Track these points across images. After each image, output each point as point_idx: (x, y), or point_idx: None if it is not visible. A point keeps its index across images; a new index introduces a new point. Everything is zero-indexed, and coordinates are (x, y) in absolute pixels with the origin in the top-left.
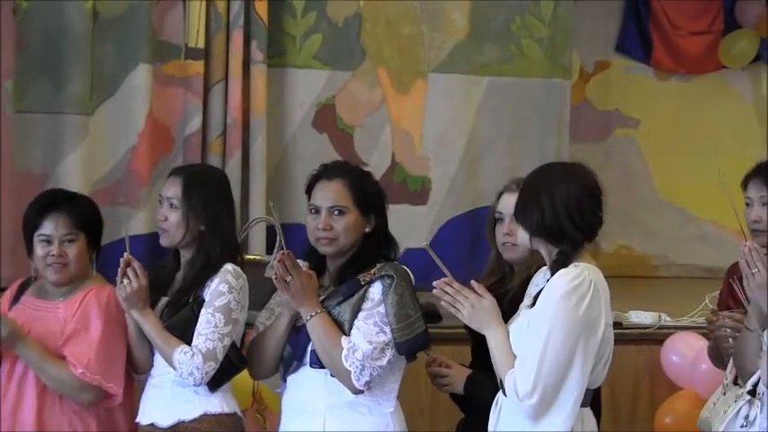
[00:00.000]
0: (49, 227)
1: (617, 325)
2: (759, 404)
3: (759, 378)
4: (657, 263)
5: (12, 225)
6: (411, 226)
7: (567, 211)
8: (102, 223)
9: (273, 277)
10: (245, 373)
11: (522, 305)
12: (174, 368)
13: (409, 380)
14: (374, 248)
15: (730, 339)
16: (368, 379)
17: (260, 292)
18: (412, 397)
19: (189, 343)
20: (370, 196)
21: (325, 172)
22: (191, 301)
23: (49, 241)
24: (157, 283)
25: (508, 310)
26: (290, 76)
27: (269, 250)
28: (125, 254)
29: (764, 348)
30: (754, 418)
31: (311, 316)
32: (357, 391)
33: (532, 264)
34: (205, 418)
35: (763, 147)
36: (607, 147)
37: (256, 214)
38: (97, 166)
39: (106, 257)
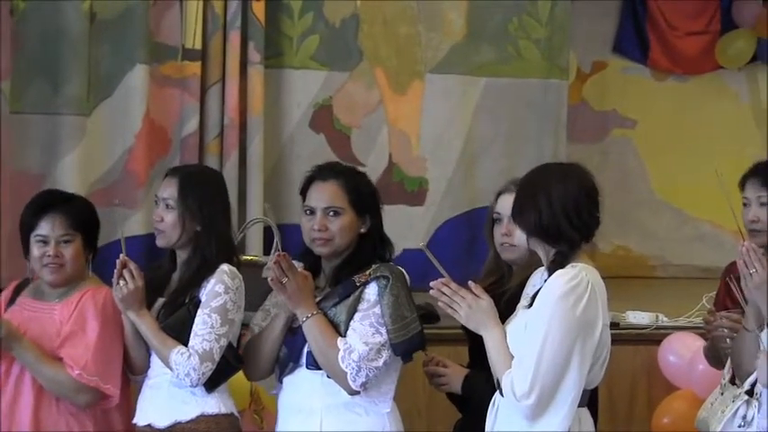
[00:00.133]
0: (45, 227)
1: (614, 325)
2: (756, 404)
3: (757, 378)
4: (654, 263)
5: (9, 226)
6: (408, 226)
7: (564, 211)
8: (98, 224)
9: (270, 279)
10: (242, 374)
11: (519, 305)
12: (170, 369)
13: (407, 380)
14: (369, 249)
15: (728, 340)
16: (364, 380)
17: (256, 292)
18: (409, 397)
19: (185, 344)
20: (364, 197)
21: (320, 173)
22: (187, 301)
23: (45, 242)
24: (154, 283)
25: (506, 310)
26: (287, 77)
27: (266, 251)
28: (121, 255)
29: (762, 348)
30: (752, 418)
31: (307, 317)
32: (353, 392)
33: (531, 264)
34: (202, 418)
35: (761, 147)
36: (604, 147)
37: (254, 215)
38: (94, 167)
39: (103, 258)
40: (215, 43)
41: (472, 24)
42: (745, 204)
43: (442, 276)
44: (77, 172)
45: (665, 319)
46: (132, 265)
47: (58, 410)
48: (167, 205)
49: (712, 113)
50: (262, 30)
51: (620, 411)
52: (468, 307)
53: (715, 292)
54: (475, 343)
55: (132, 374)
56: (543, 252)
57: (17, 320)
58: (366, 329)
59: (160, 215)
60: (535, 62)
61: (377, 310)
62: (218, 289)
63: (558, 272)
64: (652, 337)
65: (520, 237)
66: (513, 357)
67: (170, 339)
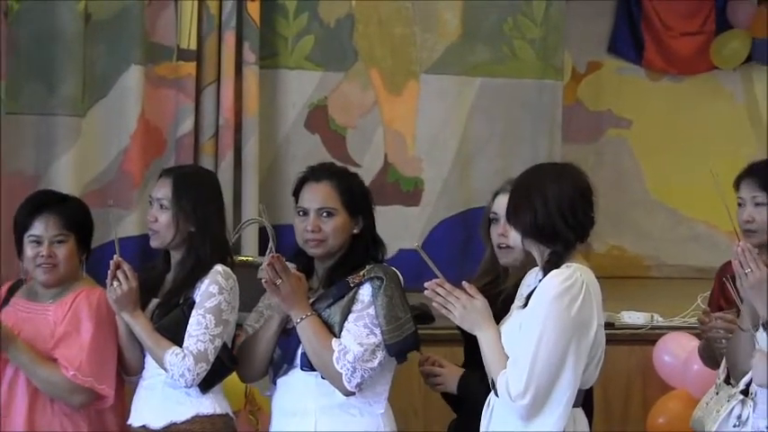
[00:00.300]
0: (39, 227)
1: (609, 325)
2: (752, 404)
3: (752, 377)
4: (649, 263)
5: (4, 227)
6: (404, 227)
7: (559, 210)
8: (92, 225)
9: (263, 281)
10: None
11: (514, 306)
12: (165, 370)
13: (402, 380)
14: (362, 250)
15: (723, 340)
16: (359, 381)
17: (252, 293)
18: (405, 397)
19: (180, 344)
20: (357, 197)
21: (313, 174)
22: (181, 302)
23: (38, 242)
24: (148, 284)
25: (502, 310)
26: (282, 78)
27: (261, 251)
28: (115, 256)
29: (757, 348)
30: (747, 418)
31: (301, 319)
32: (348, 393)
33: (527, 265)
34: (197, 419)
35: (755, 147)
36: (599, 147)
37: (249, 215)
38: (89, 168)
39: (97, 259)
40: (210, 44)
41: (467, 24)
42: (739, 204)
43: (437, 277)
44: (72, 172)
45: (659, 319)
46: (126, 266)
47: (53, 411)
48: (161, 206)
49: (707, 114)
50: (257, 30)
51: (616, 411)
52: (462, 307)
53: (709, 292)
54: (470, 343)
55: (127, 375)
56: (538, 252)
57: (11, 321)
58: (360, 330)
59: (154, 215)
60: (530, 62)
61: (371, 310)
62: (213, 289)
63: (553, 272)
64: (647, 337)
65: (515, 238)
66: (507, 357)
67: (164, 340)
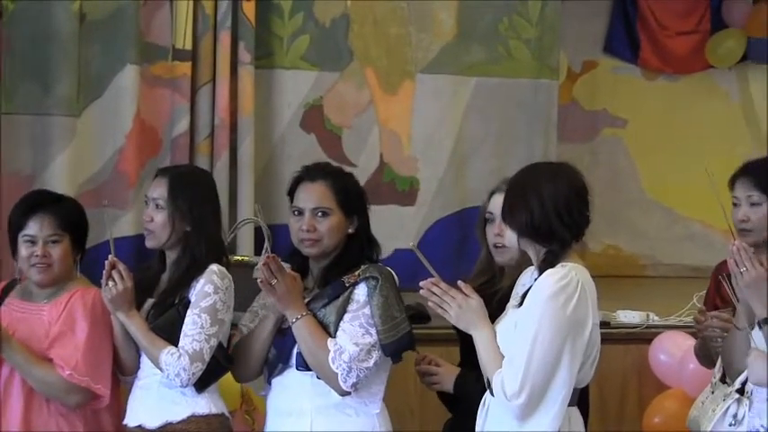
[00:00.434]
0: (33, 227)
1: (605, 324)
2: (747, 402)
3: (747, 376)
4: (645, 262)
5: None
6: (399, 226)
7: (555, 209)
8: (87, 225)
9: (259, 281)
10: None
11: (509, 305)
12: (160, 369)
13: (398, 380)
14: (357, 249)
15: (719, 339)
16: (355, 380)
17: (247, 293)
18: (401, 397)
19: (175, 344)
20: (352, 197)
21: (308, 174)
22: (176, 302)
23: (33, 242)
24: (143, 284)
25: (498, 310)
26: (277, 77)
27: (257, 251)
28: (110, 256)
29: (753, 346)
30: (743, 417)
31: (297, 318)
32: (344, 393)
33: (522, 264)
34: (192, 419)
35: (751, 146)
36: (594, 147)
37: (244, 215)
38: (84, 168)
39: (93, 259)
40: (205, 43)
41: (462, 24)
42: (734, 204)
43: (433, 276)
44: (68, 172)
45: (655, 318)
46: (121, 266)
47: (49, 412)
48: (157, 205)
49: (702, 113)
50: (252, 30)
51: (611, 410)
52: (458, 307)
53: (705, 291)
54: (465, 343)
55: (122, 375)
56: (534, 252)
57: (5, 321)
58: (356, 330)
59: (150, 215)
60: (525, 62)
61: (366, 310)
62: (208, 289)
63: (548, 271)
64: (643, 336)
65: (510, 237)
66: (503, 357)
67: (160, 340)
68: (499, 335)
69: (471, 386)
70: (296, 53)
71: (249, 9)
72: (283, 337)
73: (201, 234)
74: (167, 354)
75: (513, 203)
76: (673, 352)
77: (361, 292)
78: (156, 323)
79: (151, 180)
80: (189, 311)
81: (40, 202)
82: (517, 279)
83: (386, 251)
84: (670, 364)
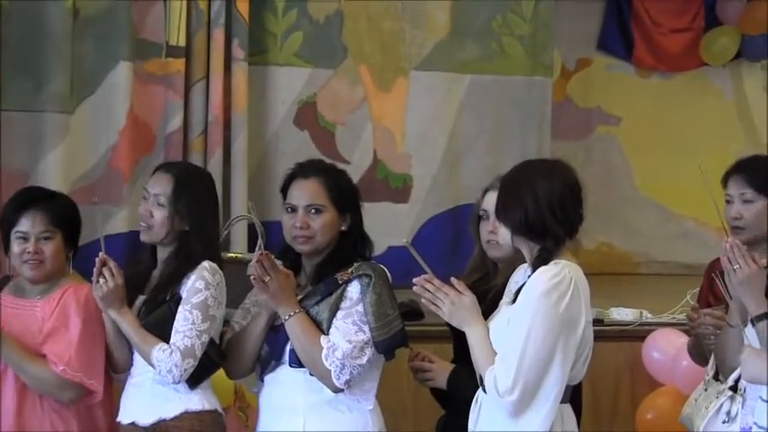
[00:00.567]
0: (25, 224)
1: (598, 322)
2: (740, 400)
3: (740, 373)
4: (638, 260)
5: None
6: (393, 223)
7: (549, 207)
8: (79, 222)
9: (252, 278)
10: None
11: (502, 302)
12: (152, 366)
13: (392, 377)
14: (350, 247)
15: (712, 336)
16: (348, 378)
17: (241, 289)
18: (395, 394)
19: (167, 341)
20: (346, 194)
21: (301, 171)
22: (168, 298)
23: (25, 238)
24: (134, 281)
25: (491, 307)
26: (271, 74)
27: (251, 248)
28: (100, 253)
29: (746, 344)
30: (736, 414)
31: (290, 316)
32: (337, 390)
33: (516, 261)
34: (186, 415)
35: (744, 144)
36: (588, 144)
37: (238, 212)
38: (78, 165)
39: (86, 256)
40: (199, 40)
41: (456, 21)
42: (727, 201)
43: (426, 273)
44: (61, 169)
45: (648, 315)
46: (112, 263)
47: (42, 408)
48: (158, 202)
49: (696, 110)
50: (246, 27)
51: (604, 408)
52: (451, 303)
53: (698, 289)
54: (459, 339)
55: (115, 373)
56: (527, 249)
57: None
58: (349, 327)
59: (149, 210)
60: (519, 59)
61: (359, 308)
62: (199, 285)
63: (541, 269)
64: (636, 334)
65: (504, 234)
66: (496, 354)
67: (151, 336)
68: (492, 332)
69: (464, 382)
70: (289, 50)
71: (243, 6)
72: (276, 333)
73: (200, 235)
74: (159, 350)
75: (506, 201)
76: (666, 349)
77: (354, 289)
78: (148, 320)
79: (145, 177)
80: (180, 308)
81: (33, 198)
82: (510, 276)
83: (379, 248)
84: (663, 362)
